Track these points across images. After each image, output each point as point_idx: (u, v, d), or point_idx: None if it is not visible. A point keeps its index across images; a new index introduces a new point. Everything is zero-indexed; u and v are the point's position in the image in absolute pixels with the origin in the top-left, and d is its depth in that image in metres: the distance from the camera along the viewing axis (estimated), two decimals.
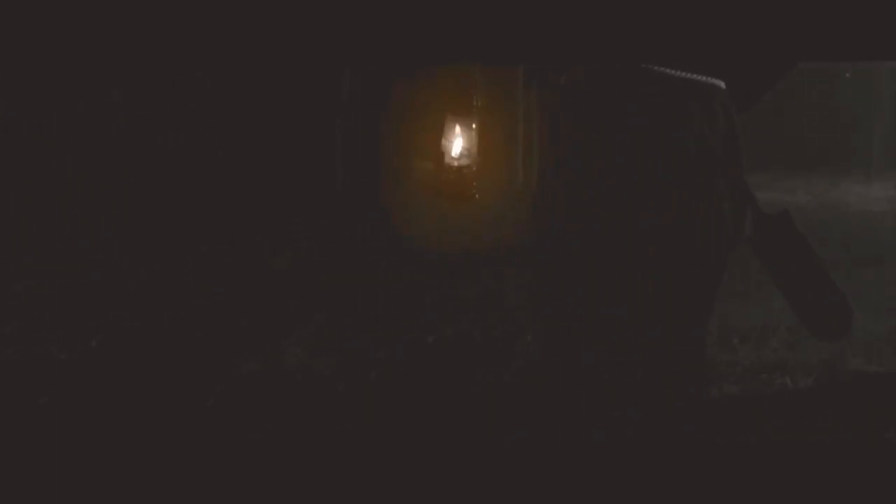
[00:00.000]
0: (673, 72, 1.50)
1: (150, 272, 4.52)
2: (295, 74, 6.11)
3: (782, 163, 8.73)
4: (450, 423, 2.54)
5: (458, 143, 6.85)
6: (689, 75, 1.50)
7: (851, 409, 2.64)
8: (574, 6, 1.49)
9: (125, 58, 1.77)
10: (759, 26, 1.44)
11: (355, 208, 6.38)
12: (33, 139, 5.31)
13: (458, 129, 6.85)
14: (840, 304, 1.67)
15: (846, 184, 8.12)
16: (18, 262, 4.56)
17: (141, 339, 3.33)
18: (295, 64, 4.53)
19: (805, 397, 2.79)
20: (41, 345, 3.17)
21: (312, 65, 5.24)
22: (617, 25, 1.47)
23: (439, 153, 6.82)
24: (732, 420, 2.58)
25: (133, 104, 5.72)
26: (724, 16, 1.45)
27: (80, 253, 4.83)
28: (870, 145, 9.29)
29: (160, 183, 5.75)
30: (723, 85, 1.54)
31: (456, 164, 6.85)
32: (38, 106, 5.32)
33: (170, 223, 5.53)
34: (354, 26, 1.55)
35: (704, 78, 1.52)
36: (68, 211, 5.22)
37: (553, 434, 1.59)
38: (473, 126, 6.84)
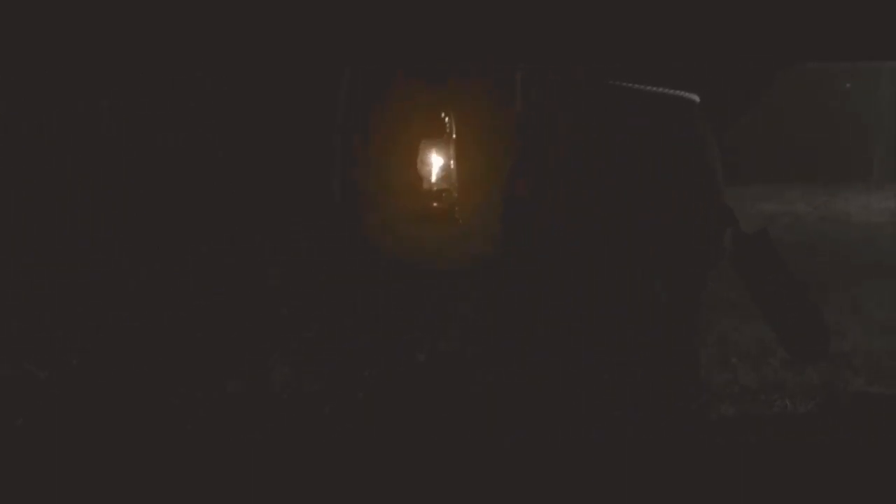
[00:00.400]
0: (648, 87, 1.49)
1: (150, 272, 4.52)
2: (295, 75, 6.11)
3: (782, 174, 8.73)
4: (449, 423, 2.53)
5: (434, 169, 6.81)
6: (664, 90, 1.49)
7: (853, 432, 2.56)
8: (573, 7, 1.49)
9: (125, 58, 1.77)
10: (759, 26, 1.44)
11: (352, 210, 6.39)
12: (33, 139, 5.31)
13: (433, 154, 6.81)
14: (817, 326, 1.63)
15: (846, 194, 8.10)
16: (18, 262, 4.56)
17: (128, 349, 3.28)
18: (295, 64, 4.53)
19: (804, 420, 2.70)
20: (23, 362, 3.10)
21: (312, 65, 5.24)
22: (616, 26, 1.47)
23: (417, 179, 6.79)
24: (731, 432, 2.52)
25: (133, 104, 5.72)
26: (723, 15, 1.45)
27: (80, 253, 4.83)
28: (870, 156, 9.29)
29: (160, 183, 5.75)
30: (697, 99, 1.53)
31: (435, 188, 6.82)
32: (38, 106, 5.32)
33: (170, 223, 5.52)
34: (354, 26, 1.55)
35: (680, 92, 1.51)
36: (68, 211, 5.22)
37: (553, 434, 1.59)
38: (450, 149, 6.80)
